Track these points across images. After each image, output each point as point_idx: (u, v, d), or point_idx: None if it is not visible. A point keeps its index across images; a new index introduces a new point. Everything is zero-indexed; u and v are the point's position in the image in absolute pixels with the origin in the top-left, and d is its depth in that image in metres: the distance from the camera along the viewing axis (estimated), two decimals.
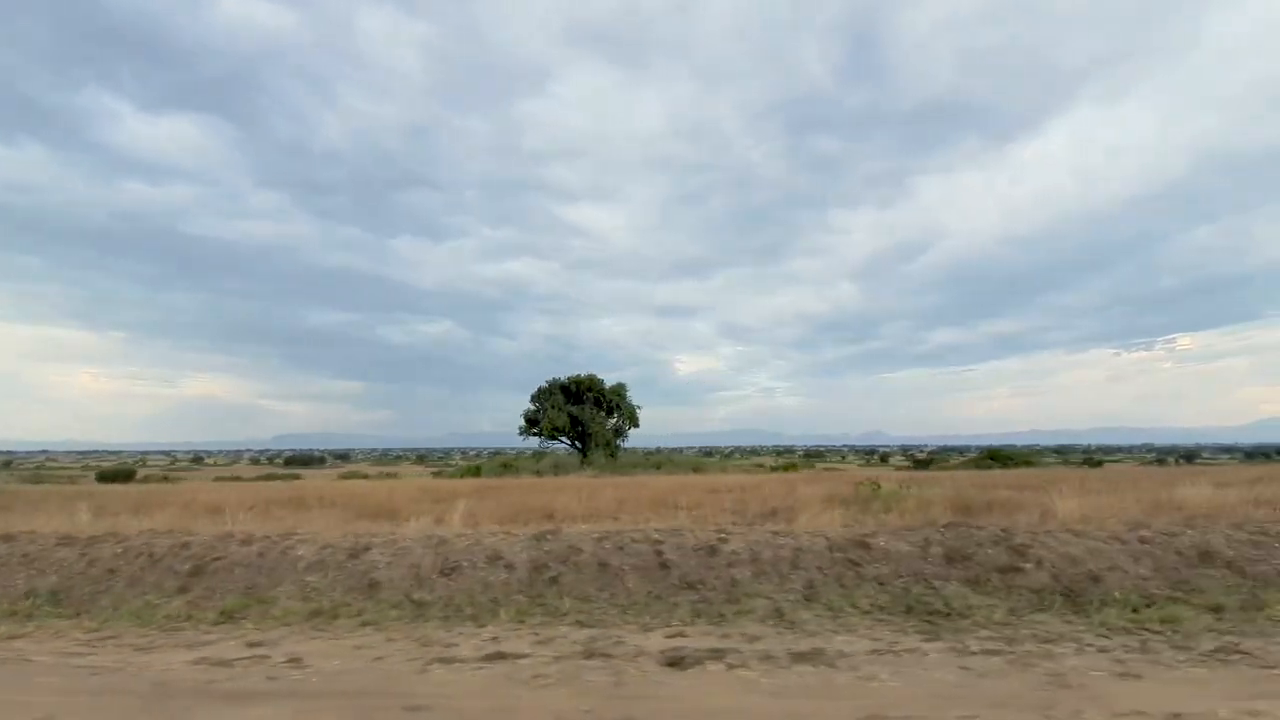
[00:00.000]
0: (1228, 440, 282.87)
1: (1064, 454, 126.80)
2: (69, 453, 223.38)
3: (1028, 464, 40.41)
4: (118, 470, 60.12)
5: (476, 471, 35.07)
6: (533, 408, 38.43)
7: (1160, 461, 71.44)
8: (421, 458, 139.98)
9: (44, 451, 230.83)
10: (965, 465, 44.16)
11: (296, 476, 41.14)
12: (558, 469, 31.72)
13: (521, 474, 29.86)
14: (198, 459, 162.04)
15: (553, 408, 37.49)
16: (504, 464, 37.26)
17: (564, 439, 38.33)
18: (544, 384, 38.53)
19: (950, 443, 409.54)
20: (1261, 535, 7.05)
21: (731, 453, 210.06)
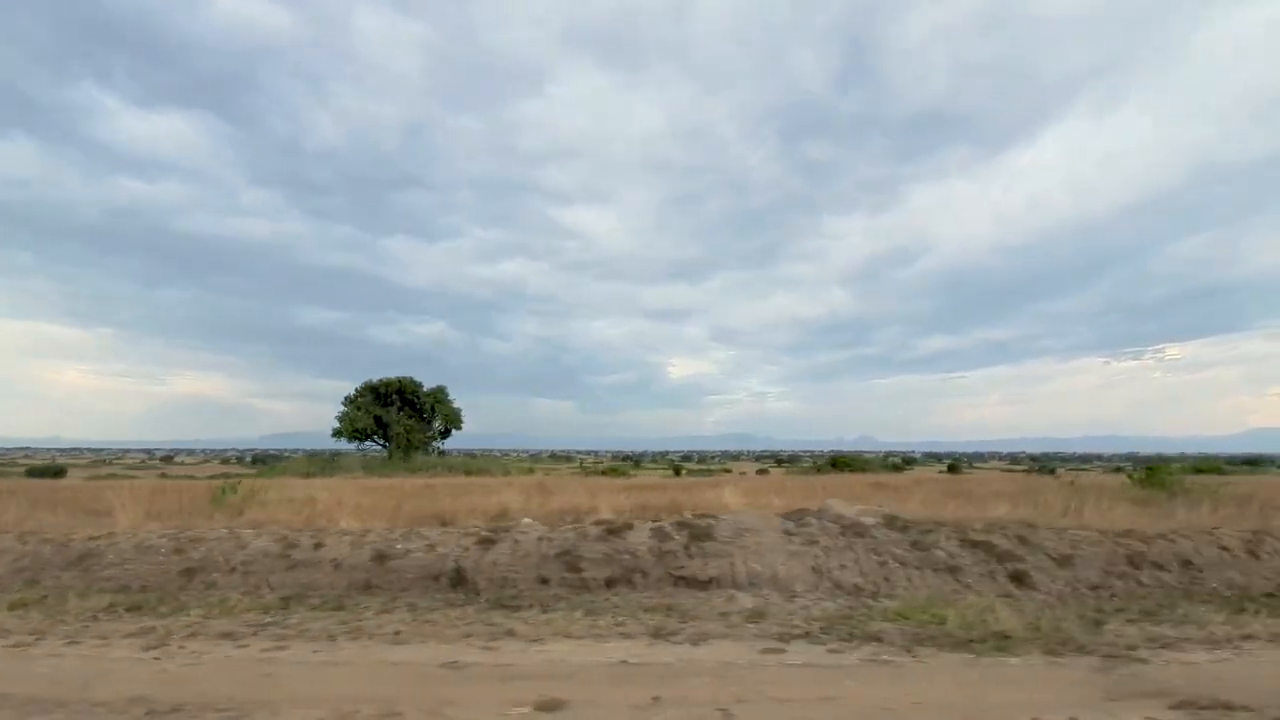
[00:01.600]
0: (1215, 450, 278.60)
1: (944, 461, 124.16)
2: (50, 450, 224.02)
3: (863, 469, 39.02)
4: (47, 467, 60.07)
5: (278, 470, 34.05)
6: (344, 409, 37.17)
7: (1049, 471, 68.91)
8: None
9: (25, 449, 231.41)
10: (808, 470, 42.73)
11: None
12: (366, 469, 30.58)
13: (316, 474, 28.74)
14: (168, 458, 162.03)
15: (358, 409, 36.37)
16: (307, 461, 36.05)
17: (373, 440, 37.11)
18: (358, 387, 37.52)
19: (938, 449, 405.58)
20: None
21: (717, 456, 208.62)
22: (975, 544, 7.00)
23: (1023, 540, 7.10)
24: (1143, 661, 4.74)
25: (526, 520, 7.93)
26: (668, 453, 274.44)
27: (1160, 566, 6.86)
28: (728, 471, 59.12)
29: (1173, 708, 3.90)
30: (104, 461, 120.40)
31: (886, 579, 6.51)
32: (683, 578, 6.49)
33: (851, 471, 39.23)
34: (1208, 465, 34.96)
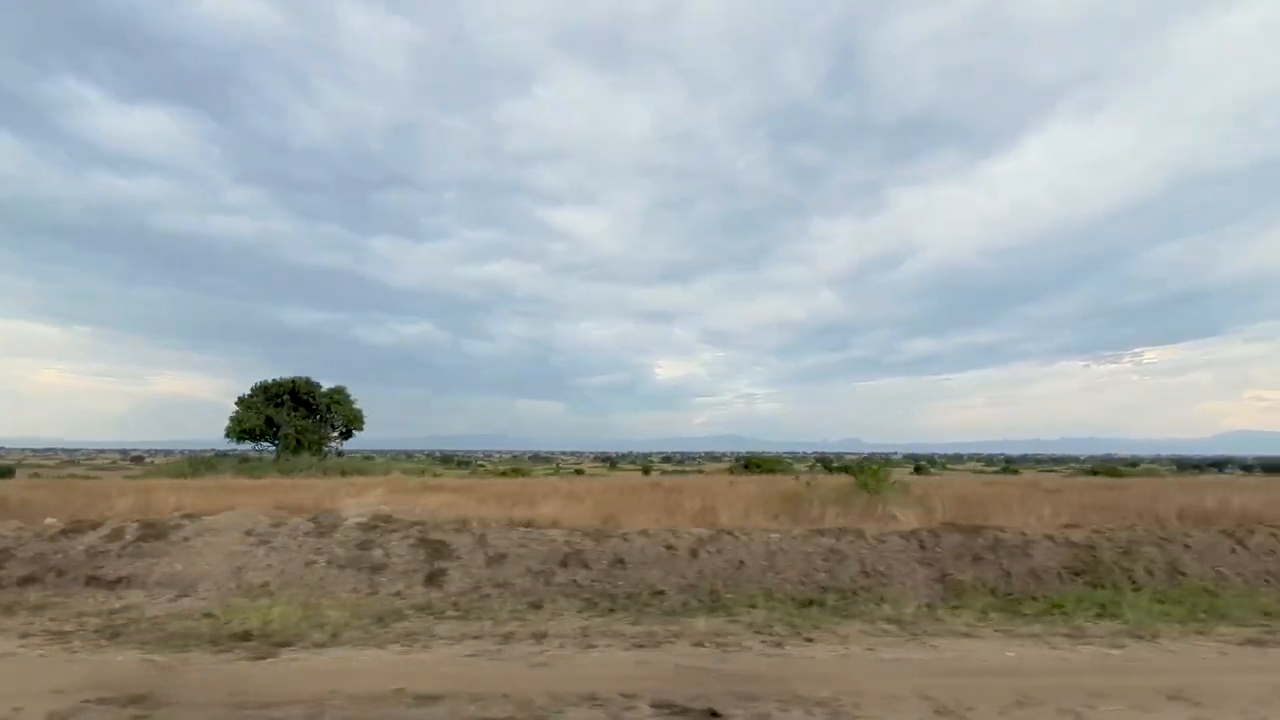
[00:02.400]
0: (1189, 452, 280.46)
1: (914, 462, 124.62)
2: (24, 450, 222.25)
3: (772, 470, 39.24)
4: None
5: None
6: (236, 410, 37.09)
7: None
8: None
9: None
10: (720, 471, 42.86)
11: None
12: (237, 471, 30.53)
13: (189, 474, 28.63)
14: (139, 458, 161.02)
15: (248, 410, 36.32)
16: (190, 463, 35.90)
17: (266, 441, 37.05)
18: (253, 387, 37.46)
19: (926, 450, 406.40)
20: None
21: (699, 457, 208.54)
22: (428, 542, 7.07)
23: (472, 541, 7.17)
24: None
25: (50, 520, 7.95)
26: (652, 454, 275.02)
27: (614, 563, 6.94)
28: (700, 472, 57.75)
29: None
30: (73, 461, 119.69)
31: (302, 578, 6.58)
32: (94, 577, 6.54)
33: (762, 473, 39.32)
34: (1104, 468, 35.29)
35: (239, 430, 35.90)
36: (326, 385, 38.86)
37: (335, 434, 39.39)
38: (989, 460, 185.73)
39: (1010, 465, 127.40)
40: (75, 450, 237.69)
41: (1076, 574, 6.96)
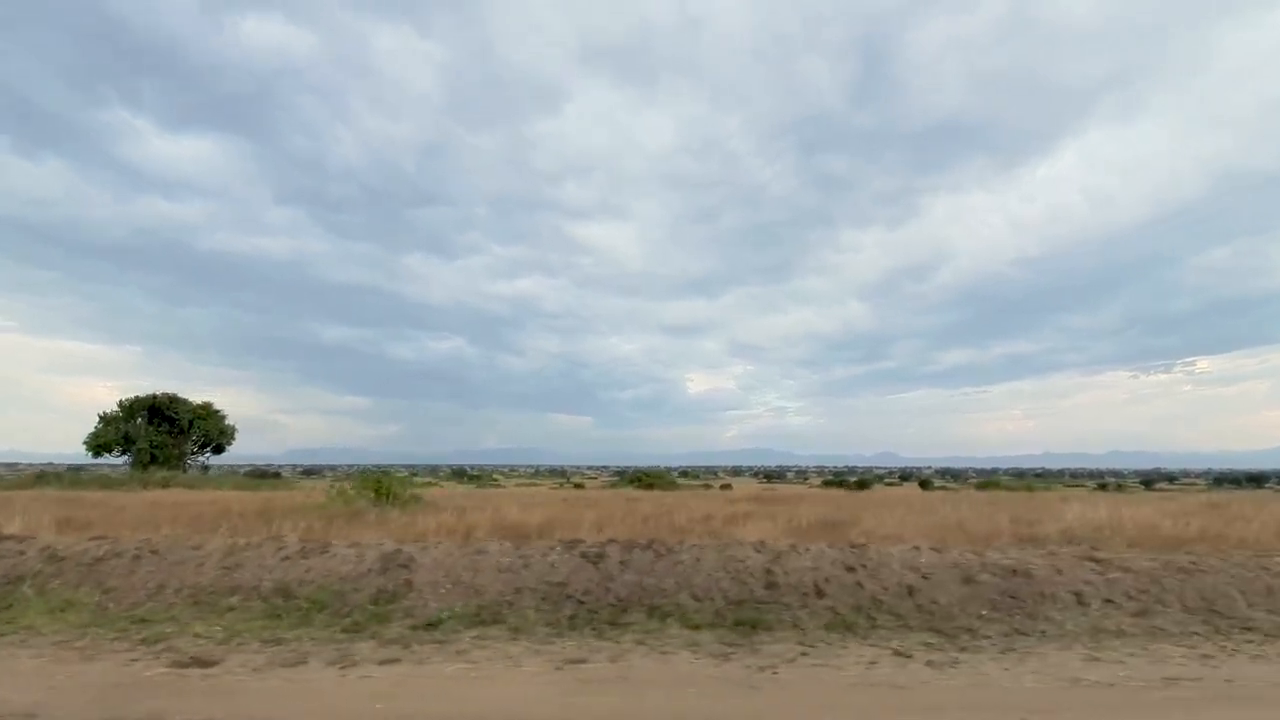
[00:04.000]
0: (1247, 465, 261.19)
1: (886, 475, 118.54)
2: (71, 465, 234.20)
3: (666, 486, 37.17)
4: None
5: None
6: (97, 426, 37.00)
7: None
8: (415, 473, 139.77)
9: (49, 463, 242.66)
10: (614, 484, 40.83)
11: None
12: (73, 485, 30.25)
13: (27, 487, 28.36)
14: (260, 473, 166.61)
15: (107, 425, 36.11)
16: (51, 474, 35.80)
17: (125, 456, 36.78)
18: (120, 402, 37.43)
19: (961, 464, 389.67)
20: None
21: (721, 471, 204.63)
22: None
23: None
24: None
25: None
26: (681, 468, 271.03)
27: None
28: (707, 487, 55.44)
29: None
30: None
31: None
32: None
33: (650, 489, 37.33)
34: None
35: (95, 445, 35.67)
36: (196, 400, 38.55)
37: (196, 449, 39.11)
38: (1019, 474, 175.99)
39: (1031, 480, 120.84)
40: (118, 465, 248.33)
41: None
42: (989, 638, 5.51)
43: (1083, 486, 60.37)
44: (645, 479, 41.05)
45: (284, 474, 74.51)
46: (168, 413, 37.22)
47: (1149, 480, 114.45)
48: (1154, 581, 6.45)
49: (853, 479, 51.28)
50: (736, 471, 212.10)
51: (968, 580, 6.43)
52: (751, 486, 45.97)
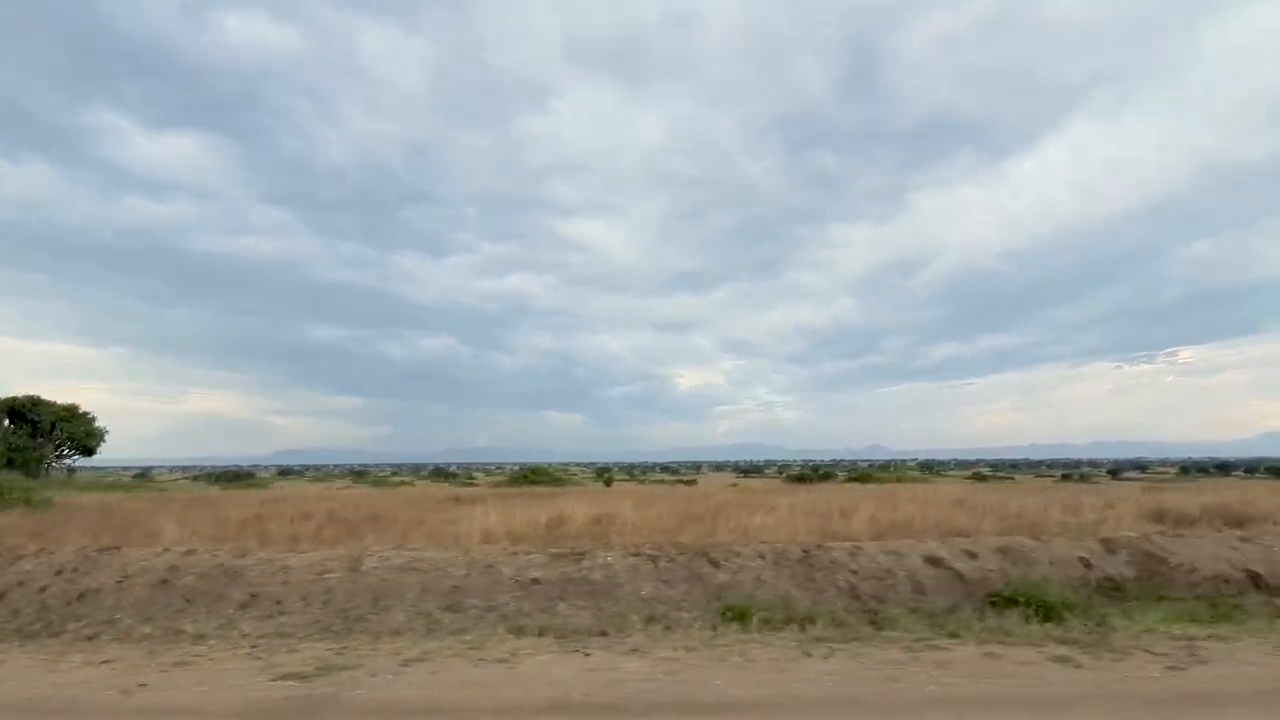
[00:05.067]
0: (1228, 455, 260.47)
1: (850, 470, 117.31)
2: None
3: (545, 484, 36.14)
4: None
5: None
6: None
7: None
8: (413, 470, 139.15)
9: None
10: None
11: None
12: None
13: None
14: (142, 474, 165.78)
15: None
16: None
17: None
18: None
19: (948, 456, 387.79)
20: None
21: (705, 466, 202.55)
22: None
23: None
24: None
25: None
26: (669, 464, 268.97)
27: None
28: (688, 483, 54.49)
29: None
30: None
31: None
32: None
33: (538, 485, 36.47)
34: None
35: None
36: (62, 402, 37.55)
37: (59, 452, 38.14)
38: (1012, 465, 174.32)
39: (1003, 472, 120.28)
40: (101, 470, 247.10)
41: None
42: None
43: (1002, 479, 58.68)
44: (531, 476, 40.01)
45: (258, 475, 73.64)
46: (29, 415, 36.13)
47: (1116, 470, 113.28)
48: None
49: (815, 474, 50.58)
50: (720, 467, 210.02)
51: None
52: (714, 484, 44.68)
